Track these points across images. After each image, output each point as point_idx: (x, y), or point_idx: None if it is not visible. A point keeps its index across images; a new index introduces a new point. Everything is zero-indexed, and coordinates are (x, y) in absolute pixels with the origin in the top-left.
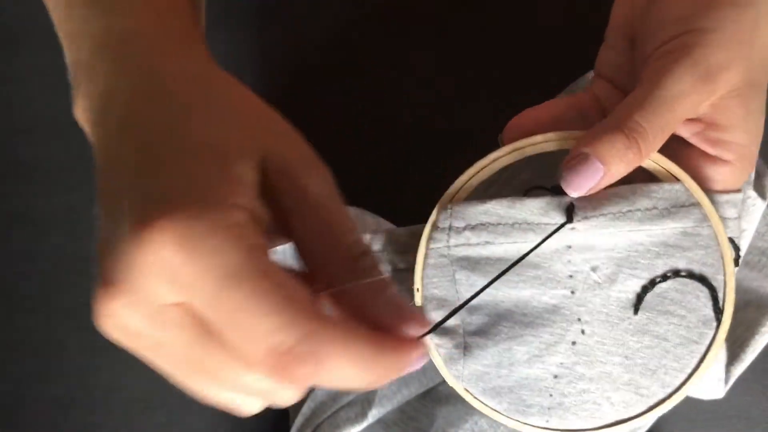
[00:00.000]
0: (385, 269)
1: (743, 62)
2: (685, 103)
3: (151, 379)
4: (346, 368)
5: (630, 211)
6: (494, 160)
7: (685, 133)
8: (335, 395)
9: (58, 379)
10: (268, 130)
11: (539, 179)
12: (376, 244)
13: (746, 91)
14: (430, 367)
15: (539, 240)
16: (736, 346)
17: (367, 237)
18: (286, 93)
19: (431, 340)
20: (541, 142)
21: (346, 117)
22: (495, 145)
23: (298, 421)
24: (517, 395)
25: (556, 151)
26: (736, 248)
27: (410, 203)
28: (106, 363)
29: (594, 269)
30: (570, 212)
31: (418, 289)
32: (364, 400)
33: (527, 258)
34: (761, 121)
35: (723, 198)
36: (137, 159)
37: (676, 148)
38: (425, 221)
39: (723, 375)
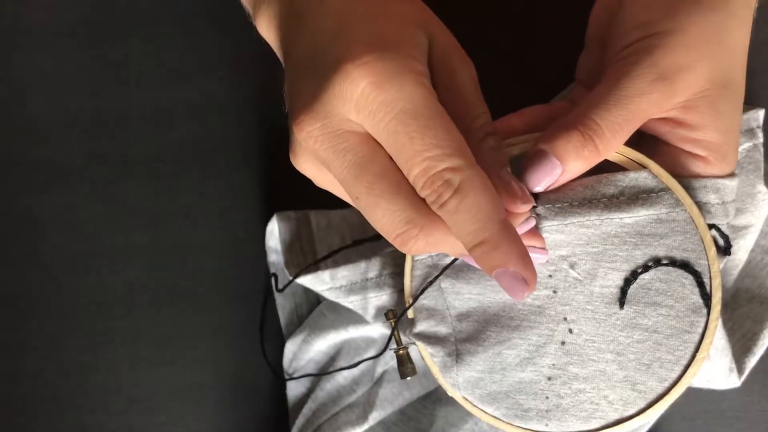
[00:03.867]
0: (386, 292)
1: (708, 63)
2: (642, 101)
3: (151, 379)
4: (481, 203)
5: (595, 198)
6: None
7: (659, 131)
8: (336, 397)
9: (58, 379)
10: (434, 19)
11: None
12: (373, 271)
13: (715, 91)
14: (431, 371)
15: None
16: (746, 339)
17: (362, 265)
18: None
19: (425, 349)
20: (508, 147)
21: None
22: None
23: (299, 421)
24: (514, 400)
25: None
26: (724, 236)
27: None
28: (106, 363)
29: (572, 266)
30: (533, 196)
31: (409, 301)
32: (366, 403)
33: None
34: (735, 120)
35: (699, 183)
36: (334, 22)
37: (654, 144)
38: None
39: (732, 365)
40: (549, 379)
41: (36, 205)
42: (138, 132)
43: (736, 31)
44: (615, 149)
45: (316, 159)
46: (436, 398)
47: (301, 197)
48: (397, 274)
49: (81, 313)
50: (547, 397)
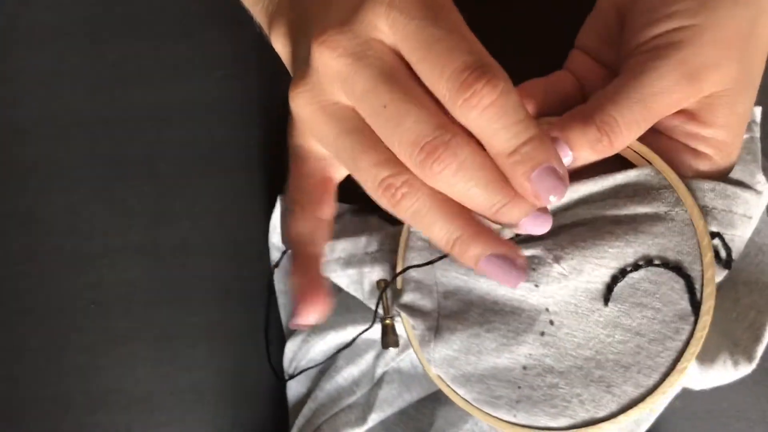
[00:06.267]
0: (384, 267)
1: (735, 62)
2: (664, 100)
3: (151, 379)
4: (521, 105)
5: (590, 195)
6: None
7: (666, 124)
8: (336, 397)
9: (58, 379)
10: None
11: None
12: (373, 245)
13: (736, 91)
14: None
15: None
16: (754, 328)
17: (363, 239)
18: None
19: (408, 321)
20: None
21: None
22: None
23: (299, 421)
24: (486, 385)
25: None
26: (727, 248)
27: None
28: (106, 363)
29: (558, 260)
30: None
31: (400, 267)
32: (365, 404)
33: None
34: (746, 120)
35: (706, 185)
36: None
37: (657, 137)
38: None
39: (729, 358)
40: (524, 368)
41: (36, 205)
42: (138, 132)
43: (764, 29)
44: (628, 143)
45: (331, 82)
46: (435, 398)
47: None
48: (396, 251)
49: (81, 313)
50: (519, 387)
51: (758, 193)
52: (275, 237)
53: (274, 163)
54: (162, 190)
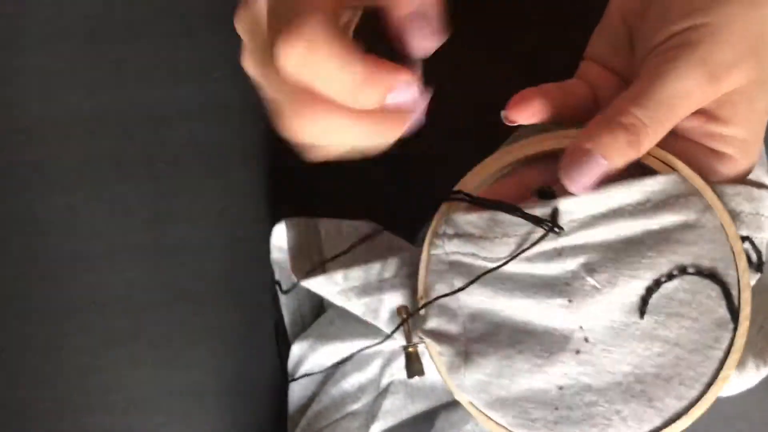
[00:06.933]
0: (402, 293)
1: (751, 60)
2: (688, 101)
3: (151, 380)
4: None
5: (620, 207)
6: (492, 162)
7: (684, 126)
8: (340, 403)
9: (58, 379)
10: None
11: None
12: (389, 271)
13: (753, 88)
14: (440, 386)
15: (524, 249)
16: (764, 332)
17: (377, 266)
18: None
19: (434, 348)
20: (536, 144)
21: None
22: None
23: (302, 423)
24: (521, 408)
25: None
26: (757, 251)
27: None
28: (106, 363)
29: (591, 273)
30: (554, 217)
31: (421, 297)
32: (368, 413)
33: (522, 269)
34: (765, 117)
35: (733, 190)
36: None
37: (675, 139)
38: None
39: (753, 361)
40: (560, 388)
41: (36, 205)
42: (138, 132)
43: None
44: (651, 147)
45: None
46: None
47: (302, 197)
48: (414, 274)
49: (81, 313)
50: (556, 408)
51: None
52: (276, 254)
53: (274, 164)
54: (162, 190)
